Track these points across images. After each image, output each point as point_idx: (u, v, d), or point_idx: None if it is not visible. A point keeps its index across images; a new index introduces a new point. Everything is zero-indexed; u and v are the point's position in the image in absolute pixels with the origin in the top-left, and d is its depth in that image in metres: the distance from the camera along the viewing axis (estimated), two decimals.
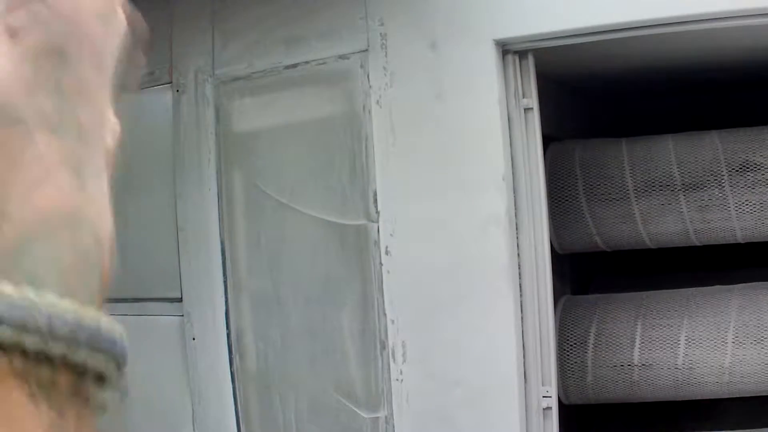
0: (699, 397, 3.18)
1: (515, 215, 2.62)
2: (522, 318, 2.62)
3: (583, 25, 2.52)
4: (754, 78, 3.61)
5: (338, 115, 2.84)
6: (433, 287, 2.69)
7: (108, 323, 0.36)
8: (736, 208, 3.13)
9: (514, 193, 2.62)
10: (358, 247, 2.80)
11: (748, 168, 3.10)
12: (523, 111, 2.66)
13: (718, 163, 3.13)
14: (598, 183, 3.30)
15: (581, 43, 2.57)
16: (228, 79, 3.04)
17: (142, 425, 3.32)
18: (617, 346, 3.21)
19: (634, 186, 3.23)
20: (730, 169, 3.12)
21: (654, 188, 3.21)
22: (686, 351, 3.10)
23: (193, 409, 3.15)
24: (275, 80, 2.96)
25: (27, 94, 0.36)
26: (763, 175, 3.09)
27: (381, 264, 2.75)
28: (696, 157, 3.17)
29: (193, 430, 3.16)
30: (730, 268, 3.67)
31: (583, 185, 3.31)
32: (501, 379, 2.61)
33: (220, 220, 3.06)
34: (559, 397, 2.80)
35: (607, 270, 4.16)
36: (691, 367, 3.09)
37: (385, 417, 2.77)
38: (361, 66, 2.78)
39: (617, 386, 3.21)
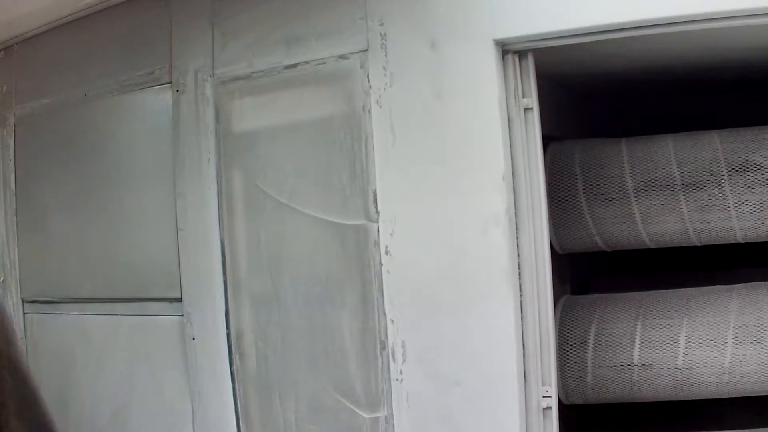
0: (699, 397, 3.17)
1: (515, 215, 2.62)
2: (522, 318, 2.62)
3: (583, 25, 2.52)
4: (754, 78, 3.62)
5: (338, 115, 2.84)
6: (433, 287, 2.68)
7: None
8: (736, 208, 3.12)
9: (514, 193, 2.62)
10: (358, 247, 2.80)
11: (748, 168, 3.10)
12: (523, 111, 2.65)
13: (718, 163, 3.13)
14: (598, 183, 3.30)
15: (581, 43, 2.57)
16: (228, 79, 3.05)
17: (142, 425, 3.32)
18: (617, 346, 3.21)
19: (634, 186, 3.23)
20: (730, 169, 3.12)
21: (654, 188, 3.21)
22: (686, 351, 3.09)
23: (193, 409, 3.15)
24: (275, 80, 2.96)
25: None
26: (763, 175, 3.09)
27: (381, 264, 2.75)
28: (696, 157, 3.17)
29: (193, 430, 3.16)
30: (730, 268, 3.67)
31: (583, 185, 3.31)
32: (501, 379, 2.60)
33: (220, 220, 3.06)
34: (559, 397, 2.80)
35: (607, 270, 4.16)
36: (691, 367, 3.09)
37: (385, 417, 2.77)
38: (361, 66, 2.78)
39: (617, 386, 3.21)
